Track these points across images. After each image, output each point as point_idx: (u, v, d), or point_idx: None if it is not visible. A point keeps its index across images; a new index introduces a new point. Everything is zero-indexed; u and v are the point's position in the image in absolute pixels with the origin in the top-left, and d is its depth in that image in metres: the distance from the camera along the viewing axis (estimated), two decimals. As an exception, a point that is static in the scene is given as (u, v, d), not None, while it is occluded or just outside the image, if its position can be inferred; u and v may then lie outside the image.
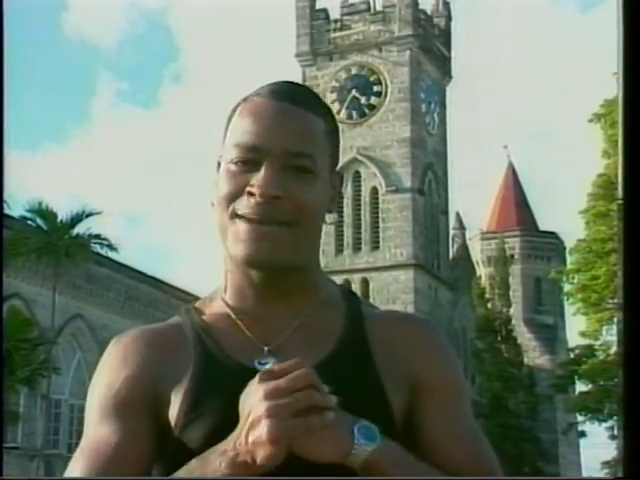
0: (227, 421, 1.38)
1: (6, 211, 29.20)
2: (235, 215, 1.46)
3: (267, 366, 1.43)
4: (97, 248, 32.33)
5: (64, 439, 35.25)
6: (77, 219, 31.29)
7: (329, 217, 1.54)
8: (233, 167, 1.47)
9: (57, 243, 30.30)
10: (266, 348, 1.48)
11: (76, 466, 1.43)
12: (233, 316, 1.51)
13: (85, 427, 1.48)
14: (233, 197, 1.46)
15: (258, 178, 1.44)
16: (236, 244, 1.46)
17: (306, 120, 1.50)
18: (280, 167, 1.45)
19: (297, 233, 1.46)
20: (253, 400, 1.31)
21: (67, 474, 1.43)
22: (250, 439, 1.30)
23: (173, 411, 1.45)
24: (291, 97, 1.50)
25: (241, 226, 1.45)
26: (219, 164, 1.54)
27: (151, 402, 1.47)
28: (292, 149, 1.46)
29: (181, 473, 1.37)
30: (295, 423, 1.29)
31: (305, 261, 1.50)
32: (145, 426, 1.45)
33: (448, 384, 1.51)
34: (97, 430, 1.45)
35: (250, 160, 1.46)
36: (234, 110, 1.54)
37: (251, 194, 1.45)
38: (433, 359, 1.52)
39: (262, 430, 1.28)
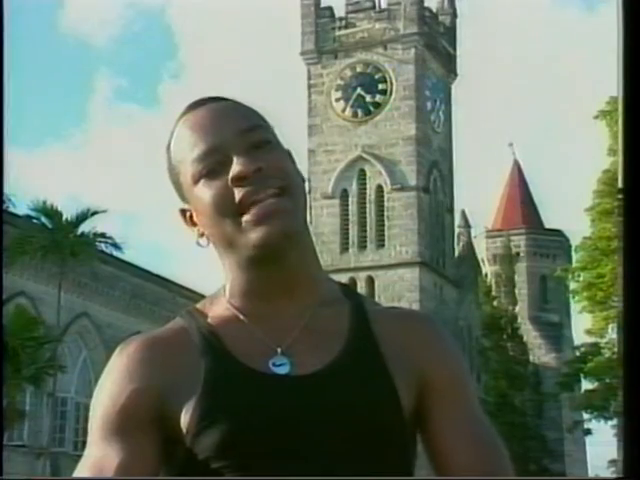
0: (241, 428, 1.40)
1: (10, 209, 29.33)
2: (235, 212, 1.46)
3: (282, 367, 1.45)
4: (102, 247, 32.42)
5: (70, 437, 35.32)
6: (82, 218, 31.37)
7: None
8: (204, 179, 1.48)
9: (62, 241, 30.36)
10: (279, 349, 1.47)
11: None
12: (241, 317, 1.50)
13: (88, 442, 1.47)
14: (222, 198, 1.46)
15: (235, 164, 1.46)
16: (248, 231, 1.45)
17: (238, 105, 1.54)
18: (245, 148, 1.47)
19: (291, 200, 1.47)
20: None
21: None
22: None
23: (185, 419, 1.43)
24: (213, 99, 1.55)
25: (244, 215, 1.45)
26: (183, 212, 1.54)
27: (158, 415, 1.45)
28: (242, 127, 1.49)
29: None
30: None
31: (304, 233, 1.50)
32: (151, 442, 1.44)
33: (456, 384, 1.51)
34: (102, 448, 1.44)
35: (217, 162, 1.47)
36: (168, 146, 1.54)
37: (237, 179, 1.45)
38: (440, 358, 1.52)
39: None
